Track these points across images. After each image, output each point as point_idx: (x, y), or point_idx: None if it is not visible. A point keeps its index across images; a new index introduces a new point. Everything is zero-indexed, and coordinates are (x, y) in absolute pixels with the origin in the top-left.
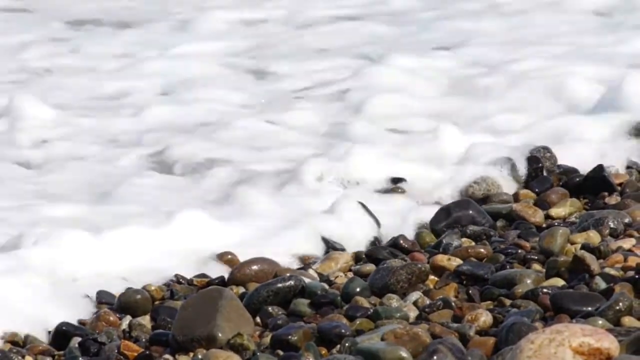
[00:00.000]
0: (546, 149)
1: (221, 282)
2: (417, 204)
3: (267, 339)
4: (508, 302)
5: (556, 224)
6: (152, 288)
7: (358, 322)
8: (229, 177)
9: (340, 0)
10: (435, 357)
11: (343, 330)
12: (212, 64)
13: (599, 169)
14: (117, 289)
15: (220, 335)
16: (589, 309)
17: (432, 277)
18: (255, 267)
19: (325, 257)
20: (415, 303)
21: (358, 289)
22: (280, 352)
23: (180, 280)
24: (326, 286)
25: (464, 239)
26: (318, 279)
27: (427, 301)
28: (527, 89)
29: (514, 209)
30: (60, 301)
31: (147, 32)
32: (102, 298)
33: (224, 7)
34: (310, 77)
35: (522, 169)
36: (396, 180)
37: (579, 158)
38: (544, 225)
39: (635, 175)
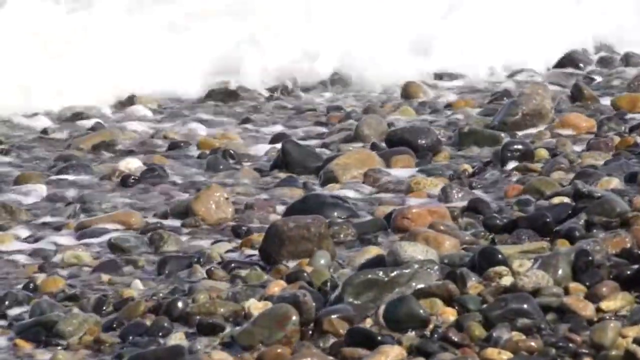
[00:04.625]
0: (596, 241)
1: None
2: None
3: None
4: None
5: (607, 317)
6: None
7: None
8: None
9: None
10: None
11: None
12: None
13: None
14: None
15: None
16: None
17: None
18: None
19: (375, 350)
20: None
21: None
22: None
23: None
24: None
25: (514, 332)
26: None
27: None
28: None
29: (565, 302)
30: None
31: None
32: None
33: None
34: None
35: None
36: None
37: None
38: (595, 319)
39: None
